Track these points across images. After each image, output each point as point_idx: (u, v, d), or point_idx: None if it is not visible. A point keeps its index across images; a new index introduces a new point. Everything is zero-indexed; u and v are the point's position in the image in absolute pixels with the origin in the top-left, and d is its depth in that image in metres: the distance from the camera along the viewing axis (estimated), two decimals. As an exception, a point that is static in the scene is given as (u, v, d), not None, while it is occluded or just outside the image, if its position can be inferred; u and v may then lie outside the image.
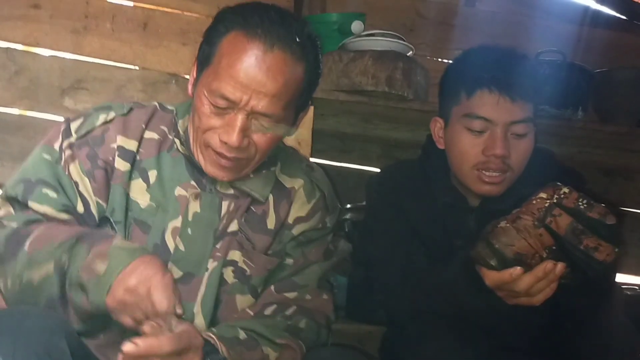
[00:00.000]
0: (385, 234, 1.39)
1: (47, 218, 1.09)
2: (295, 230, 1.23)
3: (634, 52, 2.36)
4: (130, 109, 1.19)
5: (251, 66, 1.05)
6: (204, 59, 1.12)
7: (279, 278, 1.21)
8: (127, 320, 0.95)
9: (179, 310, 0.94)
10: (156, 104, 1.24)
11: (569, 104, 1.87)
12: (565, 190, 1.04)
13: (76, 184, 1.13)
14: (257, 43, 1.06)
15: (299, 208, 1.24)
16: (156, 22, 2.07)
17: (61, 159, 1.13)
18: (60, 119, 2.01)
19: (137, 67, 2.08)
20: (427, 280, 1.27)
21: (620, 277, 2.31)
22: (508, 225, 1.05)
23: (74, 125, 1.16)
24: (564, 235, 1.02)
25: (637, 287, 2.09)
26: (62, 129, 1.16)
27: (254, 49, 1.06)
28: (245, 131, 1.08)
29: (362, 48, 1.74)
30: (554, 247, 1.05)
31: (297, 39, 1.09)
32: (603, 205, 1.04)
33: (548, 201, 1.04)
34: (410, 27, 2.30)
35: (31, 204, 1.10)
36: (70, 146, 1.14)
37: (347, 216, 1.93)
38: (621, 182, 2.48)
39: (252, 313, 1.15)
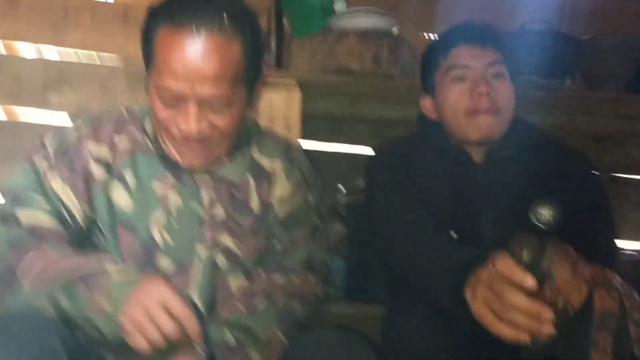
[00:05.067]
0: (396, 198, 1.38)
1: (36, 225, 1.13)
2: (280, 211, 1.26)
3: (619, 17, 2.35)
4: (98, 119, 1.24)
5: (185, 56, 1.08)
6: (147, 58, 1.16)
7: (267, 261, 1.24)
8: (143, 344, 0.97)
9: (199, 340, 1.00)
10: (123, 108, 1.28)
11: (556, 73, 1.86)
12: (637, 297, 0.95)
13: (56, 194, 1.17)
14: (183, 33, 1.08)
15: (281, 189, 1.26)
16: (136, 13, 2.04)
17: (42, 173, 1.18)
18: (46, 115, 2.00)
19: (119, 59, 2.06)
20: (426, 260, 1.26)
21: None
22: (574, 253, 0.95)
23: (47, 141, 1.21)
24: (595, 312, 0.93)
25: (633, 252, 2.10)
26: (38, 145, 1.22)
27: (183, 39, 1.08)
28: (200, 117, 1.11)
29: (346, 27, 1.72)
30: (571, 312, 0.93)
31: (226, 17, 1.10)
32: None
33: (617, 283, 0.95)
34: (394, 4, 2.28)
35: (20, 212, 1.14)
36: (49, 161, 1.19)
37: (341, 198, 1.92)
38: (612, 148, 2.48)
39: (245, 311, 1.16)
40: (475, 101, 1.34)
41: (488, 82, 1.35)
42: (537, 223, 1.36)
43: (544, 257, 0.93)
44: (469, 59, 1.37)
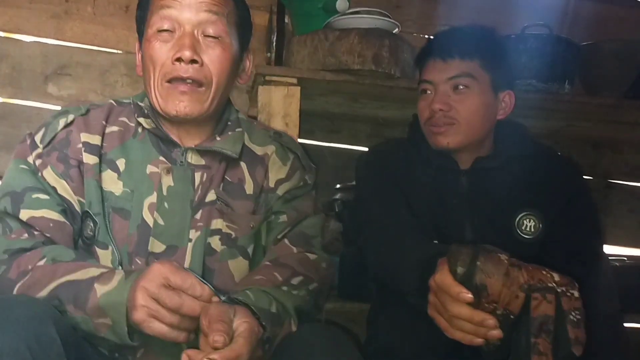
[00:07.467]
0: (377, 199, 1.41)
1: (44, 223, 1.12)
2: (280, 191, 1.26)
3: (620, 23, 2.36)
4: (88, 110, 1.24)
5: None
6: (142, 20, 1.21)
7: (284, 230, 1.23)
8: (162, 328, 0.97)
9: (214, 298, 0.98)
10: (112, 101, 1.29)
11: (556, 77, 1.87)
12: (575, 294, 0.97)
13: (54, 189, 1.16)
14: None
15: (277, 171, 1.27)
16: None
17: (37, 170, 1.17)
18: (45, 106, 2.01)
19: (120, 51, 2.06)
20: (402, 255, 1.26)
21: (608, 249, 2.34)
22: (505, 262, 0.98)
23: (37, 137, 1.20)
24: (531, 318, 0.96)
25: (625, 258, 2.11)
26: (28, 142, 1.20)
27: None
28: (195, 43, 1.16)
29: (348, 26, 1.72)
30: (512, 316, 0.98)
31: None
32: (585, 333, 0.96)
33: (553, 284, 0.97)
34: (396, 4, 2.28)
35: (24, 212, 1.13)
36: (40, 156, 1.17)
37: (337, 196, 1.93)
38: (609, 154, 2.49)
39: (280, 278, 1.13)
40: (432, 115, 1.40)
41: (444, 99, 1.38)
42: (519, 234, 1.38)
43: (476, 272, 0.98)
44: (431, 74, 1.41)
